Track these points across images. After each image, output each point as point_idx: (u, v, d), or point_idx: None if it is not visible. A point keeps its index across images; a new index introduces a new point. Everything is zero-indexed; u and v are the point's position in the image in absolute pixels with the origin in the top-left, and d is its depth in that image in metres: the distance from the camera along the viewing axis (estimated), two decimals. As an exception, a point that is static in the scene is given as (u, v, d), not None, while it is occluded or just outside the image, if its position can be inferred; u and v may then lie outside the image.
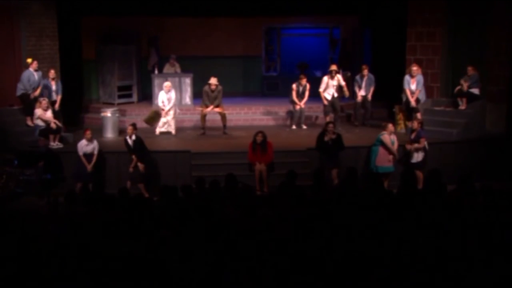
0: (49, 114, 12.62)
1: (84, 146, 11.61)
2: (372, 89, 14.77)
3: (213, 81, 14.04)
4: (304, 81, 14.68)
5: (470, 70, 13.20)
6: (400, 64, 14.51)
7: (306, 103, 14.81)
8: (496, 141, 12.96)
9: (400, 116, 14.00)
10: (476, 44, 13.67)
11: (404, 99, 13.71)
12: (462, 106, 13.38)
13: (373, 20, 16.90)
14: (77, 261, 5.73)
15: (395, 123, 13.99)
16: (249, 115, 15.91)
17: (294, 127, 14.81)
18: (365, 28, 17.35)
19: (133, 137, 11.72)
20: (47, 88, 13.22)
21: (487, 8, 13.40)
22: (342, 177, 11.18)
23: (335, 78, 14.38)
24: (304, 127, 14.76)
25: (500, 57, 13.28)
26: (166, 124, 14.14)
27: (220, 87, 14.10)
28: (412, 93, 13.47)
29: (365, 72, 14.78)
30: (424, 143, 11.67)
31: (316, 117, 15.41)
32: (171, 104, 14.10)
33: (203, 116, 14.11)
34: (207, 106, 14.02)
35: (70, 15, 15.25)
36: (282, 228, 6.49)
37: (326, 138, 11.69)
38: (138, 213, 7.25)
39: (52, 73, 13.40)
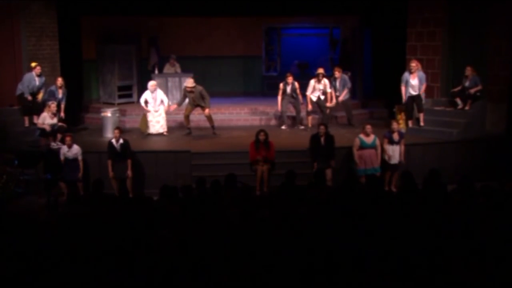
0: (54, 120, 12.61)
1: (65, 152, 11.63)
2: (345, 91, 14.72)
3: (188, 83, 13.88)
4: (290, 79, 14.57)
5: (468, 70, 13.17)
6: (400, 64, 14.51)
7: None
8: (497, 141, 12.96)
9: (400, 116, 13.99)
10: (476, 44, 13.66)
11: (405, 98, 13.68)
12: (466, 107, 13.35)
13: (373, 20, 16.89)
14: (76, 261, 5.73)
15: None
16: (249, 115, 15.91)
17: (283, 127, 14.71)
18: (365, 28, 17.34)
19: (121, 140, 11.74)
20: (53, 95, 13.24)
21: (487, 8, 13.39)
22: (342, 177, 11.21)
23: (322, 82, 14.37)
24: (302, 127, 14.74)
25: (500, 57, 13.28)
26: (158, 124, 14.07)
27: (199, 88, 13.83)
28: (412, 88, 13.44)
29: (337, 74, 14.71)
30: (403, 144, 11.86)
31: (303, 118, 15.38)
32: (158, 103, 14.01)
33: (186, 117, 14.06)
34: (190, 108, 13.98)
35: (70, 15, 15.24)
36: (282, 228, 6.49)
37: (321, 140, 11.74)
38: (138, 213, 7.25)
39: (59, 81, 13.40)
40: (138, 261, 5.71)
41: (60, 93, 13.37)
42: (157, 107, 14.00)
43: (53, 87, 13.33)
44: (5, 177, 11.03)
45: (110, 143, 11.78)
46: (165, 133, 14.08)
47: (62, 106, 13.46)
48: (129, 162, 11.71)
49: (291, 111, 15.02)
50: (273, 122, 15.54)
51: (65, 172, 11.53)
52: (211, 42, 18.12)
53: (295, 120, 14.87)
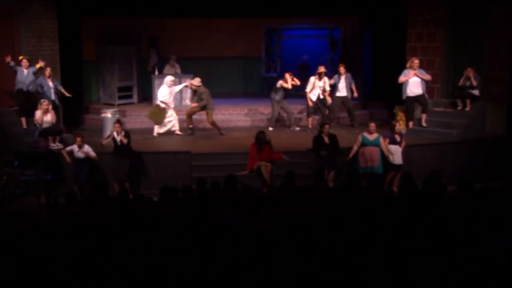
0: (48, 117, 12.60)
1: (76, 152, 11.64)
2: (353, 87, 14.74)
3: (194, 81, 13.99)
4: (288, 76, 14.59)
5: (469, 71, 13.16)
6: (400, 65, 14.49)
7: (290, 103, 14.92)
8: (497, 142, 12.96)
9: (400, 117, 13.98)
10: (476, 44, 13.66)
11: (404, 96, 13.63)
12: (467, 107, 13.37)
13: (373, 21, 16.91)
14: (76, 262, 5.73)
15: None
16: (249, 116, 15.91)
17: (270, 128, 14.64)
18: (365, 29, 17.36)
19: (122, 133, 11.75)
20: (43, 86, 13.25)
21: (487, 8, 13.40)
22: (342, 178, 11.20)
23: (322, 79, 14.35)
24: (297, 128, 14.70)
25: (500, 58, 13.29)
26: (170, 123, 14.05)
27: (202, 89, 13.88)
28: (414, 86, 13.44)
29: (342, 70, 14.63)
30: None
31: (300, 119, 15.41)
32: (172, 98, 14.03)
33: (188, 116, 14.08)
34: (197, 109, 14.06)
35: (70, 15, 15.24)
36: (282, 229, 6.49)
37: (325, 140, 11.68)
38: (138, 214, 7.25)
39: (48, 71, 13.39)
40: (137, 261, 5.71)
41: (49, 82, 13.34)
42: (171, 103, 14.00)
43: (41, 78, 13.30)
44: (5, 177, 11.03)
45: (113, 137, 11.85)
46: (177, 132, 14.05)
47: (62, 89, 13.61)
48: (128, 155, 11.80)
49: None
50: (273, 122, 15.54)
51: (76, 174, 11.61)
52: (211, 43, 18.12)
53: (290, 122, 14.83)
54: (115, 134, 11.75)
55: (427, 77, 13.53)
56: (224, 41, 18.20)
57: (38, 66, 13.28)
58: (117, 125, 11.86)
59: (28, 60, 13.23)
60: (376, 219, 6.81)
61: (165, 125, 14.08)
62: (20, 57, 13.33)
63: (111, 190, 10.65)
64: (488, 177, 11.22)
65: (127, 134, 11.86)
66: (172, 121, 14.10)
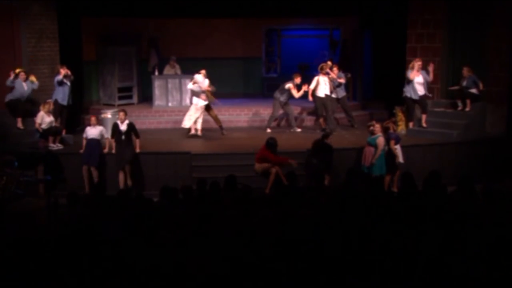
0: (51, 118, 12.62)
1: (88, 130, 11.98)
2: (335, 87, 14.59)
3: (202, 70, 13.96)
4: (299, 80, 14.52)
5: (465, 70, 13.21)
6: (400, 66, 14.49)
7: (291, 103, 14.87)
8: (496, 142, 12.96)
9: (400, 117, 13.97)
10: (476, 45, 13.66)
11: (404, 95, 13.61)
12: (466, 107, 13.37)
13: (373, 21, 16.91)
14: (77, 263, 5.73)
15: (395, 124, 13.99)
16: (249, 116, 15.90)
17: (268, 130, 14.54)
18: (365, 30, 17.36)
19: (126, 121, 11.87)
20: (63, 84, 13.33)
21: (487, 9, 13.40)
22: (342, 178, 11.20)
23: (327, 76, 14.17)
24: (298, 130, 14.65)
25: (500, 59, 13.28)
26: (199, 122, 13.91)
27: (207, 81, 13.88)
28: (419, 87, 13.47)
29: (335, 71, 14.54)
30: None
31: (302, 119, 15.37)
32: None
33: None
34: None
35: (71, 16, 15.25)
36: (282, 229, 6.49)
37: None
38: (138, 214, 7.25)
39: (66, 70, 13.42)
40: (138, 262, 5.71)
41: (68, 82, 13.48)
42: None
43: (58, 77, 13.31)
44: (5, 178, 11.03)
45: (115, 124, 11.90)
46: (199, 134, 13.89)
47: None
48: (137, 142, 11.97)
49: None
50: (272, 123, 15.50)
51: (85, 155, 11.84)
52: (211, 43, 18.13)
53: (291, 123, 14.80)
54: (118, 122, 11.82)
55: (430, 78, 13.53)
56: (224, 42, 18.20)
57: (31, 79, 13.24)
58: (121, 113, 11.95)
59: (25, 73, 13.23)
60: (376, 219, 6.81)
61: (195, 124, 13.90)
62: (17, 70, 13.26)
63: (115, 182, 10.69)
64: (488, 177, 11.22)
65: (131, 125, 11.91)
66: (199, 120, 13.94)
